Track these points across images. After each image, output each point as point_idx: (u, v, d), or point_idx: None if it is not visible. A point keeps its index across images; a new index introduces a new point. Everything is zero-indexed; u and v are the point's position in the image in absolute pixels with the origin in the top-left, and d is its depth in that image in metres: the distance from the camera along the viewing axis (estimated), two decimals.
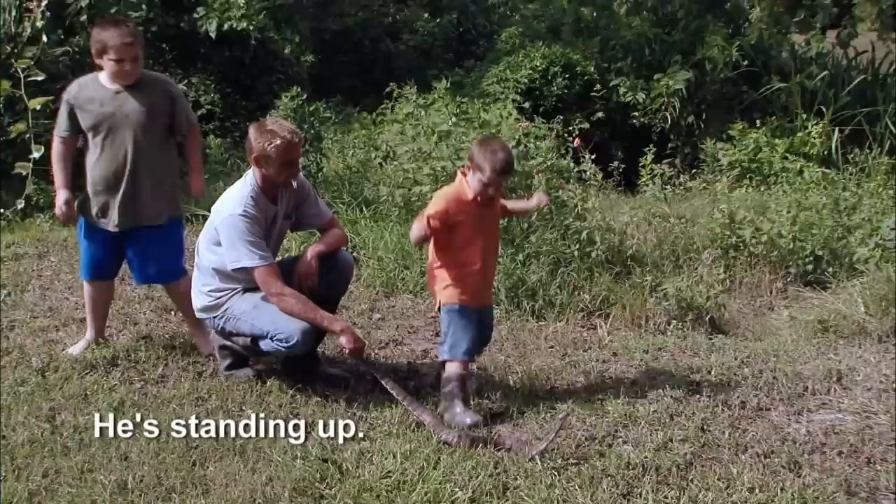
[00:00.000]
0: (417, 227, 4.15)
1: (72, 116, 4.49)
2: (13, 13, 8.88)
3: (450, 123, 7.41)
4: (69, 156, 4.57)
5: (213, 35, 11.85)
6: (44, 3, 8.85)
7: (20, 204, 8.06)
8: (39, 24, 8.77)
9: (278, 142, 4.16)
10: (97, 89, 4.48)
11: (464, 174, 4.27)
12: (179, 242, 4.86)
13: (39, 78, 8.34)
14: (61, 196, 4.51)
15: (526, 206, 4.80)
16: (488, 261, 4.37)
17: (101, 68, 4.49)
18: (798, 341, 5.64)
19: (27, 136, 7.92)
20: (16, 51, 8.72)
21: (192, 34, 12.37)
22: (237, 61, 12.84)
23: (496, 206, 4.40)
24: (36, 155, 7.81)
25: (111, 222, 4.58)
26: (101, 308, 4.86)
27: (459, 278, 4.24)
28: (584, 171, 7.93)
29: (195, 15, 12.20)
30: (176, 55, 12.74)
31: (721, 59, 12.89)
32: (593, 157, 7.92)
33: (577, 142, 8.78)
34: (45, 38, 8.72)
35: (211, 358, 4.72)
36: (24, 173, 7.78)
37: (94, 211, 4.58)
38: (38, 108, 7.95)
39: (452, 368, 4.23)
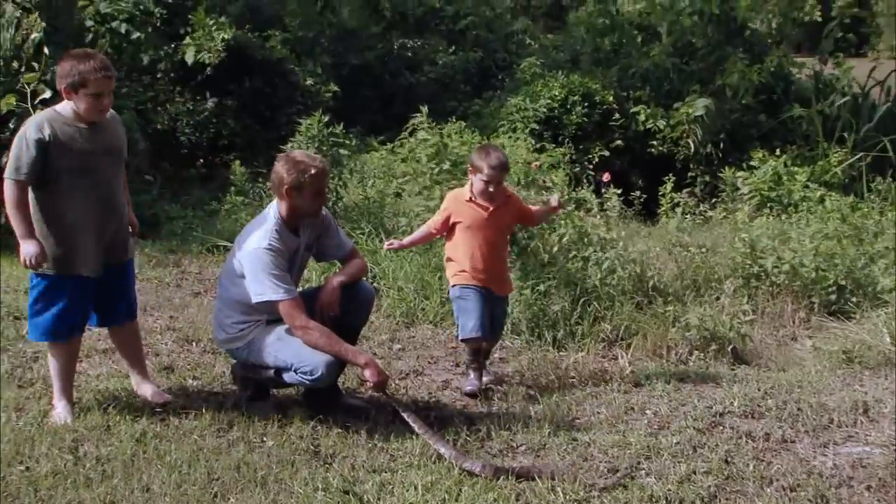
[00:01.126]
0: (424, 226, 5.07)
1: (41, 158, 4.05)
2: (12, 31, 8.93)
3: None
4: (27, 201, 4.11)
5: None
6: (36, 16, 8.92)
7: None
8: (35, 36, 8.83)
9: (313, 171, 4.23)
10: (69, 125, 4.14)
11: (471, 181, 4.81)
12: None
13: (46, 95, 8.45)
14: (33, 247, 4.08)
15: (547, 210, 5.32)
16: (489, 258, 4.85)
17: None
18: (822, 372, 5.58)
19: None
20: (23, 68, 8.82)
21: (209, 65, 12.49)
22: (258, 92, 12.93)
23: (501, 209, 4.86)
24: None
25: (92, 267, 4.24)
26: (75, 365, 4.55)
27: (460, 270, 4.87)
28: (605, 202, 7.94)
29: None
30: (192, 85, 12.86)
31: (743, 85, 12.90)
32: (619, 192, 7.95)
33: (606, 176, 8.83)
34: (46, 52, 8.79)
35: (233, 389, 4.74)
36: None
37: (63, 259, 4.18)
38: None
39: (467, 345, 4.97)
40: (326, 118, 8.55)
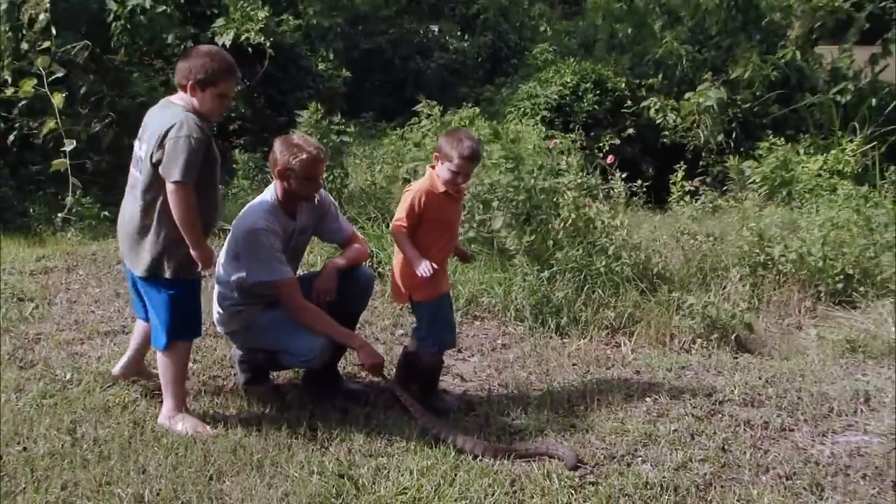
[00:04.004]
0: (400, 237, 4.27)
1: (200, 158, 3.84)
2: (21, 12, 9.03)
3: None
4: None
5: (226, 46, 11.82)
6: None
7: (68, 204, 8.31)
8: (43, 17, 8.89)
9: (303, 156, 4.16)
10: (201, 124, 3.89)
11: (432, 167, 4.36)
12: None
13: (60, 74, 8.54)
14: (208, 251, 3.98)
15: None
16: (447, 252, 4.53)
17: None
18: (825, 361, 5.55)
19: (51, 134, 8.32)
20: (31, 49, 8.91)
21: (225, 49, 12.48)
22: (268, 76, 12.92)
23: (460, 200, 4.56)
24: (68, 148, 8.11)
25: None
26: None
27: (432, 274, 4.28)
28: (613, 189, 7.89)
29: (213, 26, 12.26)
30: None
31: (757, 78, 12.76)
32: (624, 175, 7.90)
33: (610, 159, 8.80)
34: (53, 31, 8.85)
35: (232, 373, 4.76)
36: (63, 170, 8.15)
37: (194, 262, 3.99)
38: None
39: (433, 359, 4.51)
40: (322, 111, 8.45)
